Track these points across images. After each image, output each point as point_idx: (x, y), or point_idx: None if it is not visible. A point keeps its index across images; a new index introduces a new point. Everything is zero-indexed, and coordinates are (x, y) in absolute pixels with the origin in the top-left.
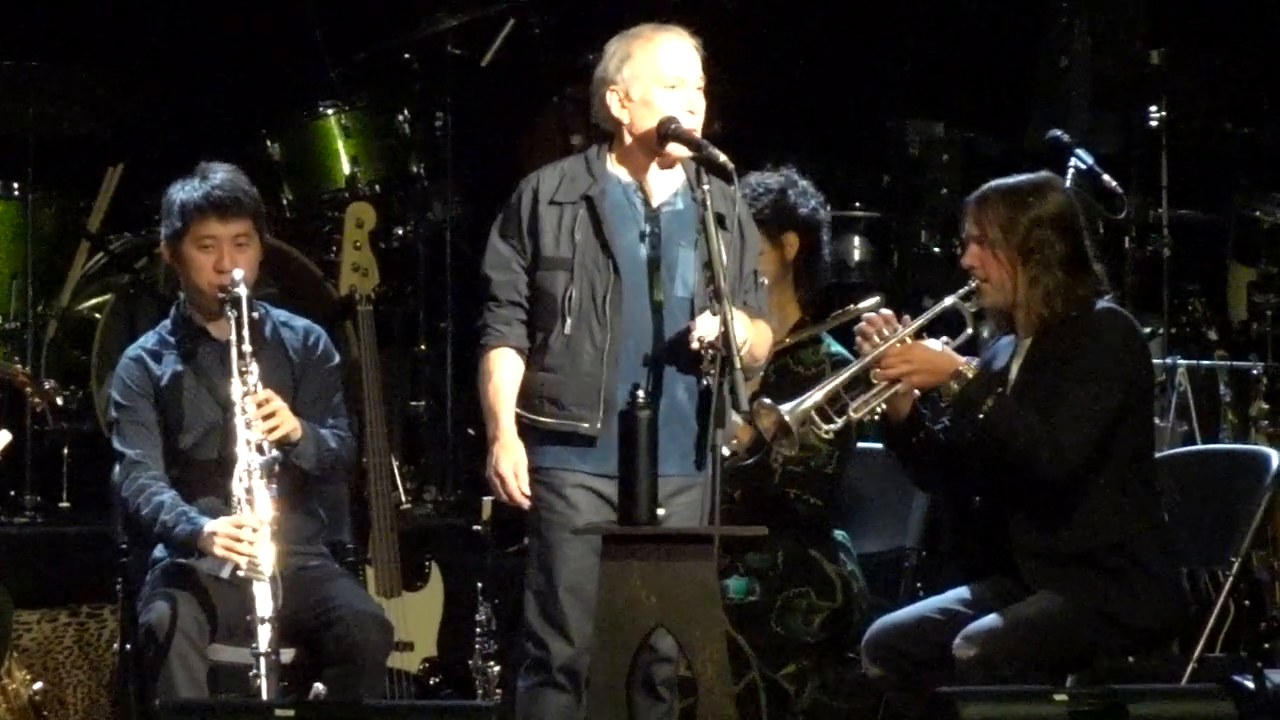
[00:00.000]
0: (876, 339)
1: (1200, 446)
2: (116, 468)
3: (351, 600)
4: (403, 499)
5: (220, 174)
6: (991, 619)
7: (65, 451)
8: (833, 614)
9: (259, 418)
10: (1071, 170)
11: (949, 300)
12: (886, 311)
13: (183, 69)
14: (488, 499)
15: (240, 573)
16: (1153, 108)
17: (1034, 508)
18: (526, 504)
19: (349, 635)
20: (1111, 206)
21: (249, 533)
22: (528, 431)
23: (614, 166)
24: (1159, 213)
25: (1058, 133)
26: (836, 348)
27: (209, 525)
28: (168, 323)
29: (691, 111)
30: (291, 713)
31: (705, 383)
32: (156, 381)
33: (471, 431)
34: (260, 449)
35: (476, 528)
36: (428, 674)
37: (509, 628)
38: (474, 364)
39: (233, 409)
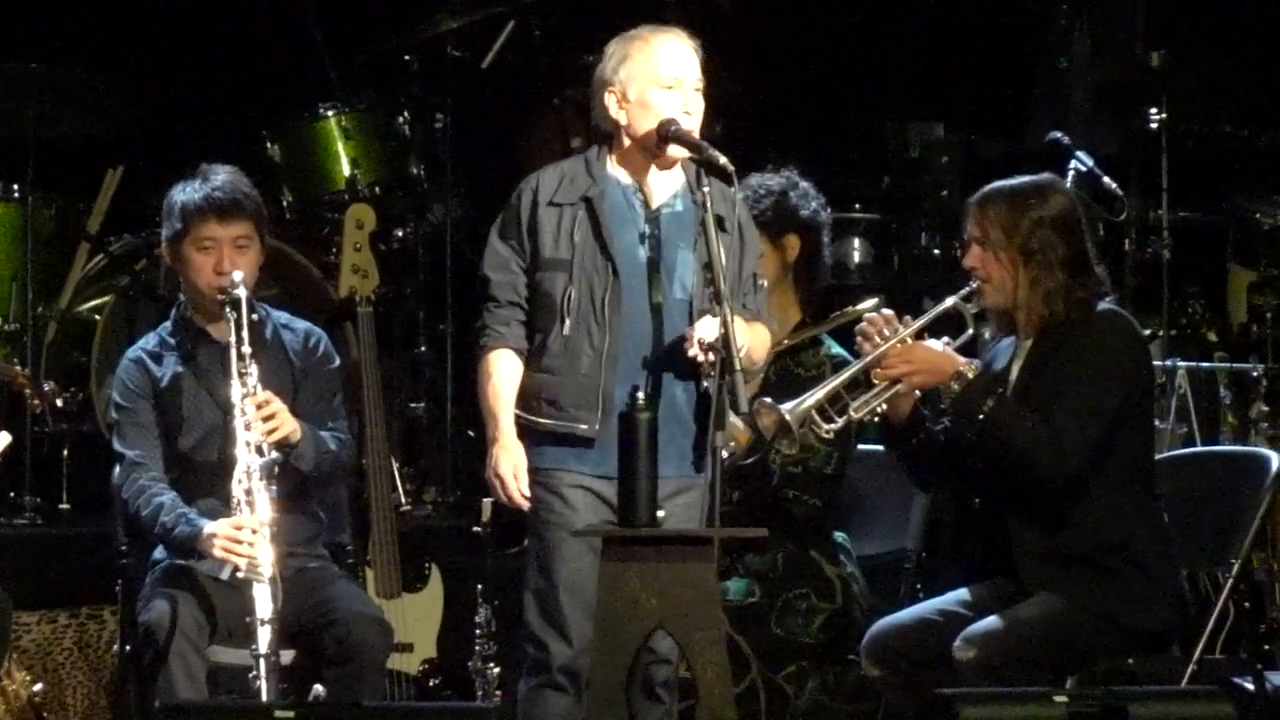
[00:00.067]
0: (877, 339)
1: (1200, 448)
2: (117, 469)
3: (351, 602)
4: (402, 500)
5: (221, 176)
6: (991, 620)
7: (65, 453)
8: (832, 615)
9: (258, 419)
10: (1071, 172)
11: (950, 301)
12: (888, 311)
13: (183, 71)
14: (487, 500)
15: (240, 574)
16: (1153, 110)
17: (1034, 509)
18: (526, 505)
19: (349, 637)
20: (1111, 208)
21: (248, 534)
22: (526, 432)
23: (613, 168)
24: (1159, 214)
25: (1058, 134)
26: (837, 349)
27: (208, 527)
28: (168, 324)
29: (688, 112)
30: (291, 714)
31: (705, 385)
32: (156, 383)
33: (471, 433)
34: (260, 450)
35: (476, 529)
36: (427, 675)
37: (509, 629)
38: (473, 365)
39: (232, 411)
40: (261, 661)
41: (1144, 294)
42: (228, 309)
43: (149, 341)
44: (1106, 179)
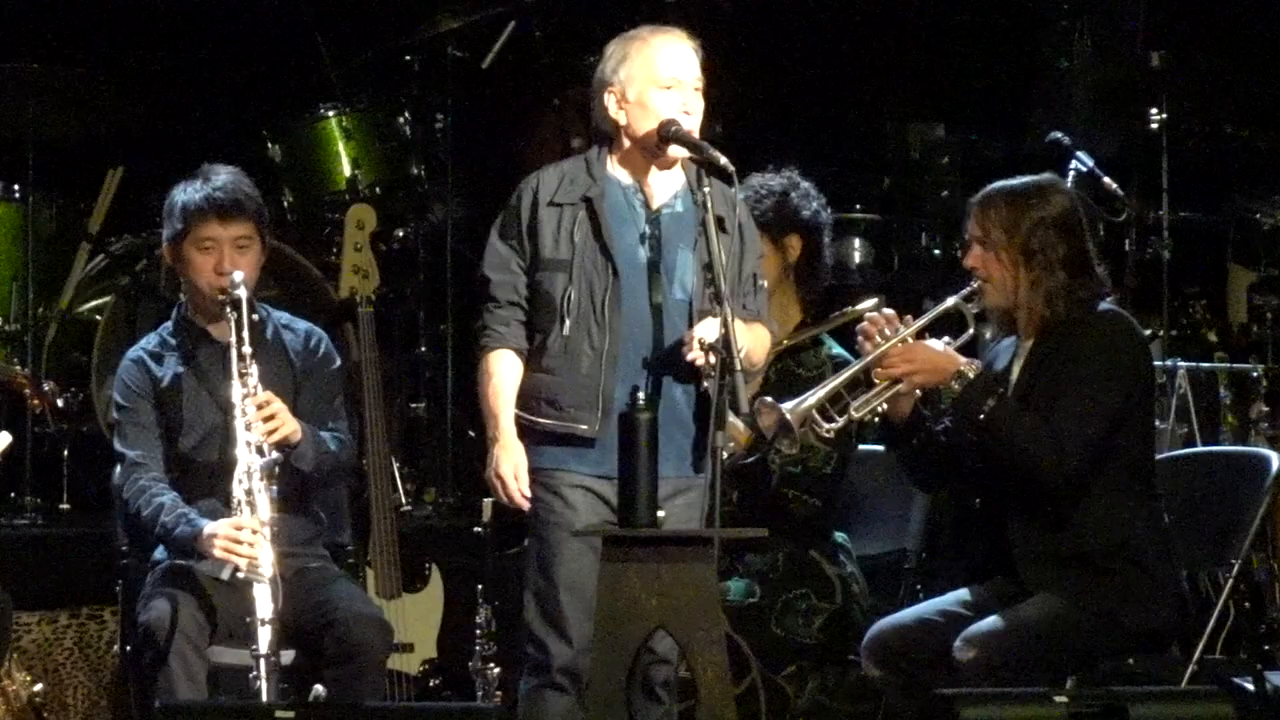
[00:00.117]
0: (878, 338)
1: (1200, 449)
2: (117, 469)
3: (351, 602)
4: (403, 501)
5: (222, 176)
6: (991, 621)
7: (65, 453)
8: (832, 616)
9: (259, 420)
10: (1072, 172)
11: (951, 301)
12: (889, 311)
13: (183, 71)
14: (488, 500)
15: (240, 574)
16: (1153, 110)
17: (1034, 509)
18: (527, 506)
19: (349, 637)
20: (1112, 209)
21: (249, 534)
22: (526, 432)
23: (614, 168)
24: (1159, 215)
25: (1058, 135)
26: (838, 350)
27: (208, 527)
28: (169, 324)
29: (687, 112)
30: (291, 714)
31: (705, 385)
32: (157, 383)
33: (472, 433)
34: (260, 451)
35: (477, 529)
36: (427, 676)
37: (509, 629)
38: (474, 365)
39: (233, 411)
40: (261, 662)
41: (1144, 294)
42: (228, 309)
43: (150, 342)
44: (1107, 179)
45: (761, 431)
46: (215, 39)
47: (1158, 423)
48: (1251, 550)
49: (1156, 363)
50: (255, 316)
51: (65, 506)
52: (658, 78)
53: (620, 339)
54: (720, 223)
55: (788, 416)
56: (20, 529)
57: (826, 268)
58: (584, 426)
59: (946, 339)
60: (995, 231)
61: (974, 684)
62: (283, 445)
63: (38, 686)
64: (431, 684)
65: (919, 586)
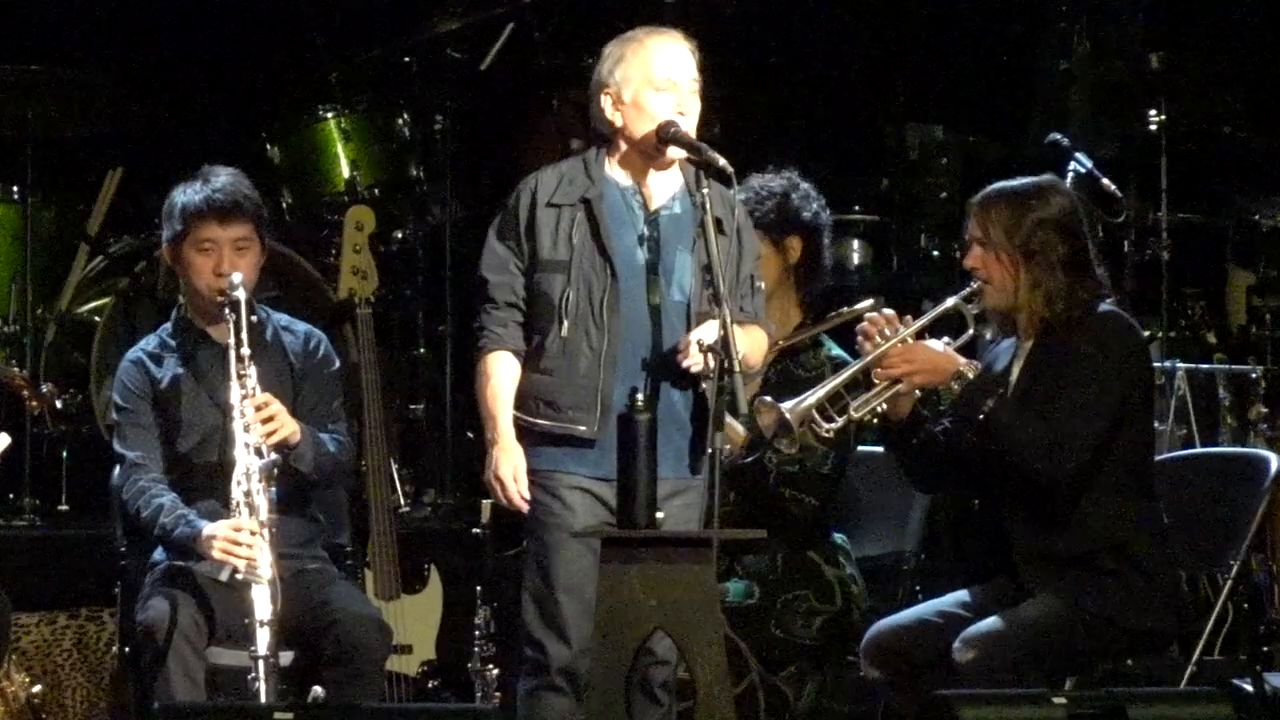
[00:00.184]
0: (878, 338)
1: (1199, 450)
2: (117, 470)
3: (350, 603)
4: (401, 502)
5: (222, 177)
6: (991, 622)
7: (64, 455)
8: (832, 617)
9: (257, 421)
10: (1071, 174)
11: (951, 301)
12: (889, 311)
13: (183, 73)
14: (487, 501)
15: (239, 576)
16: (1152, 111)
17: (1033, 510)
18: (526, 508)
19: (348, 638)
20: (1111, 210)
21: (247, 536)
22: (524, 434)
23: (612, 169)
24: (1158, 216)
25: (1057, 136)
26: (837, 351)
27: (207, 528)
28: (168, 325)
29: (682, 113)
30: (290, 715)
31: (703, 386)
32: (156, 384)
33: (470, 434)
34: (259, 452)
35: (476, 531)
36: (426, 677)
37: (508, 631)
38: (473, 367)
39: (232, 412)
40: (260, 663)
41: (1143, 295)
42: (227, 311)
43: (149, 343)
44: (1105, 180)
45: (761, 432)
46: (215, 40)
47: (1157, 424)
48: (1250, 551)
49: (1155, 364)
50: (255, 318)
51: (64, 508)
52: (653, 79)
53: (619, 340)
54: (719, 224)
55: (787, 416)
56: (19, 530)
57: (826, 269)
58: (582, 428)
59: (946, 339)
60: (996, 232)
61: (973, 685)
62: (281, 447)
63: (36, 688)
64: (430, 685)
65: (918, 587)
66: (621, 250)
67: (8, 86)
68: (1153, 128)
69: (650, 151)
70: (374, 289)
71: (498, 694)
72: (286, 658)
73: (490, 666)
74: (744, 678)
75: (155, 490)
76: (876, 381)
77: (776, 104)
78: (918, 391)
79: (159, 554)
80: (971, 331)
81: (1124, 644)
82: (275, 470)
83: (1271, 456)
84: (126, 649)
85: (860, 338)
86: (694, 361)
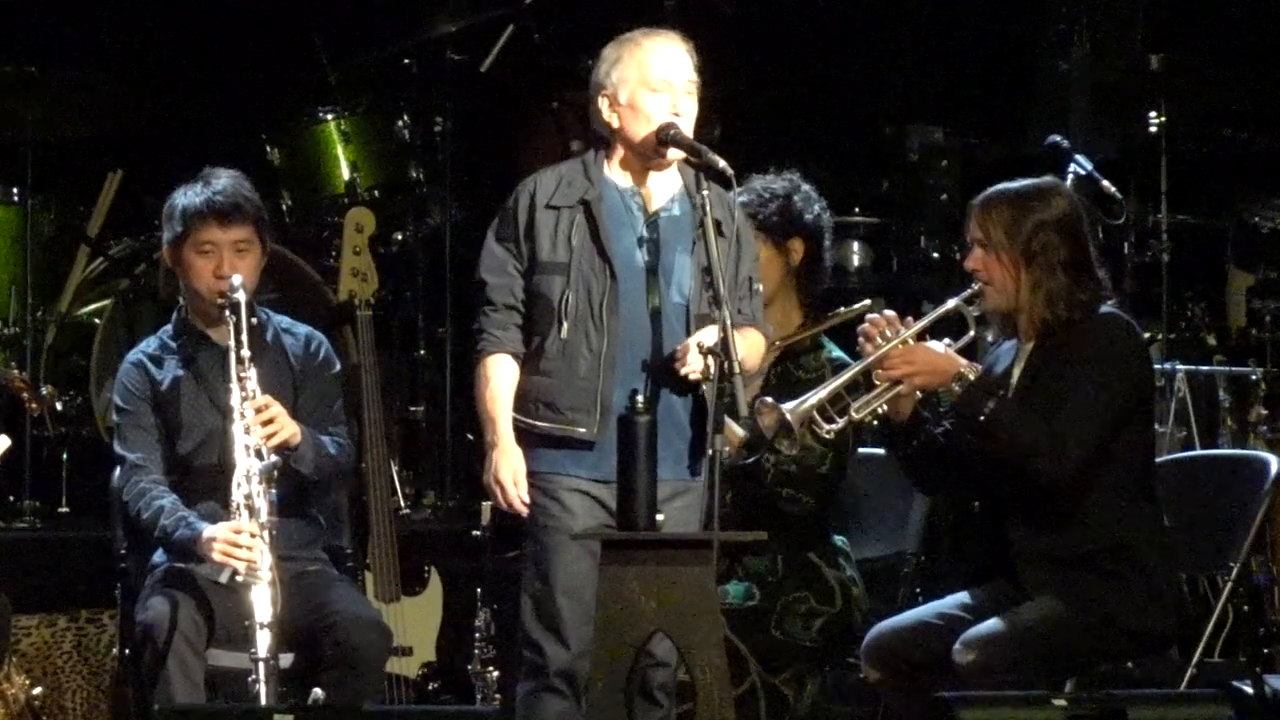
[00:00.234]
0: (879, 340)
1: (1199, 452)
2: (117, 472)
3: (350, 605)
4: (402, 504)
5: (223, 180)
6: (991, 624)
7: (64, 457)
8: (832, 619)
9: (258, 423)
10: (1071, 175)
11: (952, 303)
12: (890, 313)
13: (183, 74)
14: (487, 504)
15: (239, 577)
16: (1152, 113)
17: (1034, 511)
18: (526, 510)
19: (348, 640)
20: (1110, 212)
21: (247, 538)
22: (523, 436)
23: (611, 171)
24: (1158, 218)
25: (1057, 138)
26: (838, 352)
27: (208, 530)
28: (169, 327)
29: (678, 115)
30: (290, 717)
31: (703, 388)
32: (157, 386)
33: (470, 436)
34: (259, 454)
35: (476, 533)
36: (426, 679)
37: (508, 633)
38: (472, 369)
39: (232, 414)
40: (260, 665)
41: (1143, 297)
42: (227, 313)
43: (149, 345)
44: (1105, 182)
45: (762, 433)
46: (215, 42)
47: (1157, 426)
48: (1251, 553)
49: (1155, 366)
50: (255, 320)
51: (64, 510)
52: (648, 80)
53: (618, 342)
54: (718, 226)
55: (788, 417)
56: (19, 532)
57: (827, 271)
58: (582, 430)
59: (947, 341)
60: (996, 233)
61: (973, 687)
62: (282, 449)
63: (36, 690)
64: (430, 687)
65: (918, 589)
66: (621, 252)
67: (8, 86)
68: (1153, 129)
69: (649, 153)
70: (374, 291)
71: (498, 696)
72: (286, 660)
73: (490, 669)
74: (744, 680)
75: (155, 492)
76: (877, 383)
77: (776, 105)
78: (918, 393)
79: (159, 556)
80: (972, 333)
81: (1124, 646)
82: (275, 472)
83: (1271, 458)
84: (126, 651)
85: (861, 339)
86: (693, 369)
